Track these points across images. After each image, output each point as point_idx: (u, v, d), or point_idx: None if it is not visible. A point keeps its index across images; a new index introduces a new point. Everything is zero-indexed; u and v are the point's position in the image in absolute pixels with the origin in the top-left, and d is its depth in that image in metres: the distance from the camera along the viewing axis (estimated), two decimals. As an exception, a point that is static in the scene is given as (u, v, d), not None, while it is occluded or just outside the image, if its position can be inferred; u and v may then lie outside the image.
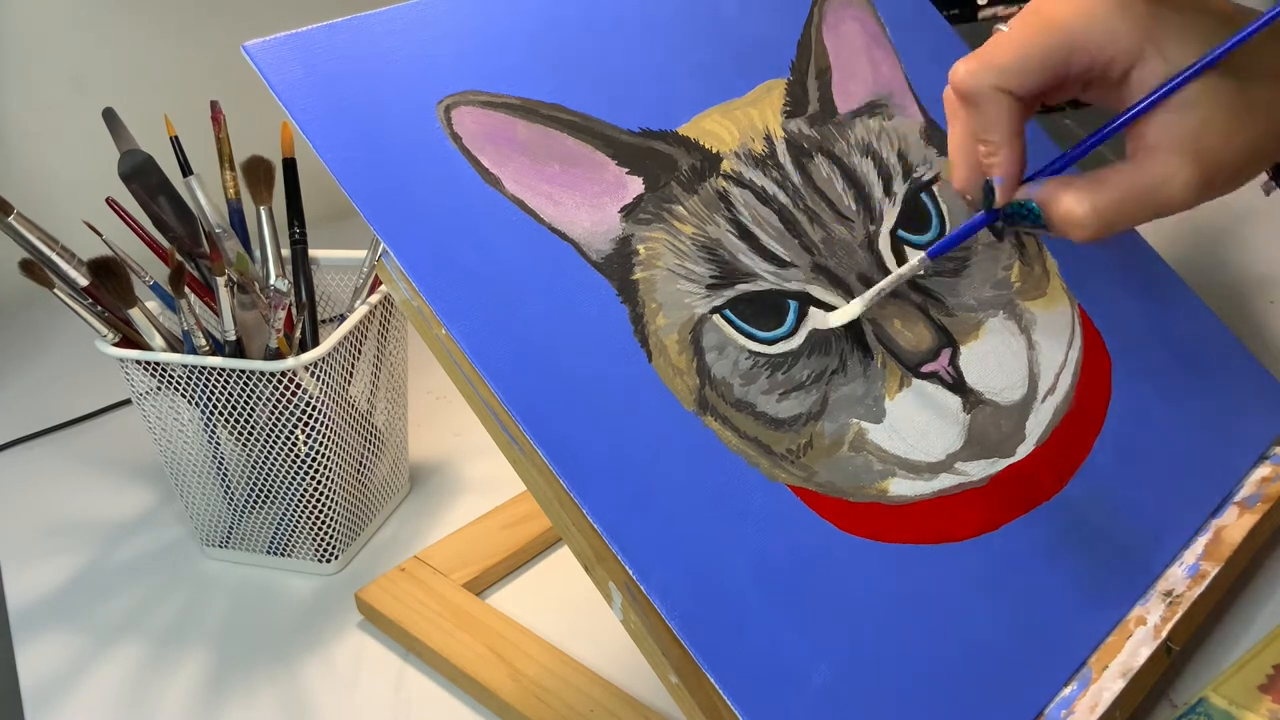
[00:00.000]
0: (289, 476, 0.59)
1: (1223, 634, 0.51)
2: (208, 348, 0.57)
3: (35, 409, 0.82)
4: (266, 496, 0.61)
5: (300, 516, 0.61)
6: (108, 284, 0.57)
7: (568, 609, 0.57)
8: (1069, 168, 0.44)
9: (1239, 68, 0.40)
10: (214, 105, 0.62)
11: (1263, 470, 0.55)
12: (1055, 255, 0.56)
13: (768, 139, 0.51)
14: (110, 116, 0.62)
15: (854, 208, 0.51)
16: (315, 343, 0.61)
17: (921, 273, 0.48)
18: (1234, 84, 0.40)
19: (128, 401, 0.81)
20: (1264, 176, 0.49)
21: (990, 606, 0.45)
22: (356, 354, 0.61)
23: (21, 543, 0.68)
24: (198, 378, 0.58)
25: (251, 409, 0.57)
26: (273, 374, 0.56)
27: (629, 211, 0.46)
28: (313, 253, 0.64)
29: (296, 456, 0.59)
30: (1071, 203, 0.41)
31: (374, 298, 0.61)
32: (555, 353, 0.42)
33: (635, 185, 0.47)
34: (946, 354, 0.49)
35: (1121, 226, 0.41)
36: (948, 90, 0.44)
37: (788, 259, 0.48)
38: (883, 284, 0.46)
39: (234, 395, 0.57)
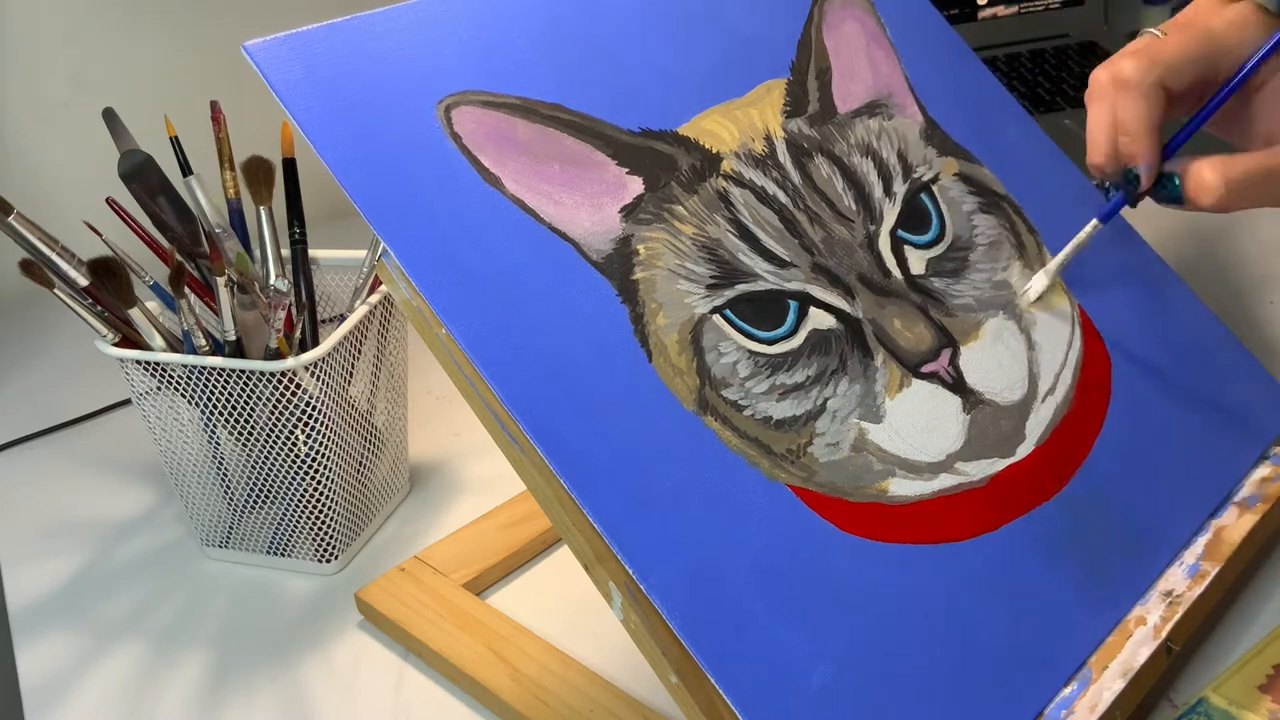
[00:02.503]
0: (289, 476, 0.59)
1: (1223, 634, 0.51)
2: (208, 348, 0.57)
3: (35, 409, 0.82)
4: (266, 496, 0.61)
5: (300, 516, 0.61)
6: (108, 284, 0.57)
7: (568, 609, 0.57)
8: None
9: None
10: (214, 105, 0.62)
11: (1263, 470, 0.55)
12: (1057, 255, 0.56)
13: (768, 139, 0.51)
14: (110, 116, 0.62)
15: (854, 208, 0.51)
16: (315, 343, 0.61)
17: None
18: None
19: (128, 401, 0.81)
20: None
21: (990, 606, 0.45)
22: (356, 354, 0.61)
23: (21, 543, 0.68)
24: (198, 378, 0.58)
25: (251, 409, 0.57)
26: (273, 374, 0.56)
27: (629, 211, 0.46)
28: (313, 253, 0.64)
29: (296, 456, 0.59)
30: (1207, 172, 0.47)
31: (374, 298, 0.61)
32: (555, 353, 0.42)
33: (635, 185, 0.47)
34: (947, 354, 0.49)
35: (1248, 199, 0.46)
36: (1099, 74, 0.49)
37: (788, 259, 0.48)
38: (1065, 252, 0.53)
39: (234, 395, 0.57)
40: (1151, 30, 0.50)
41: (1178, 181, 0.48)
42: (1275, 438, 0.57)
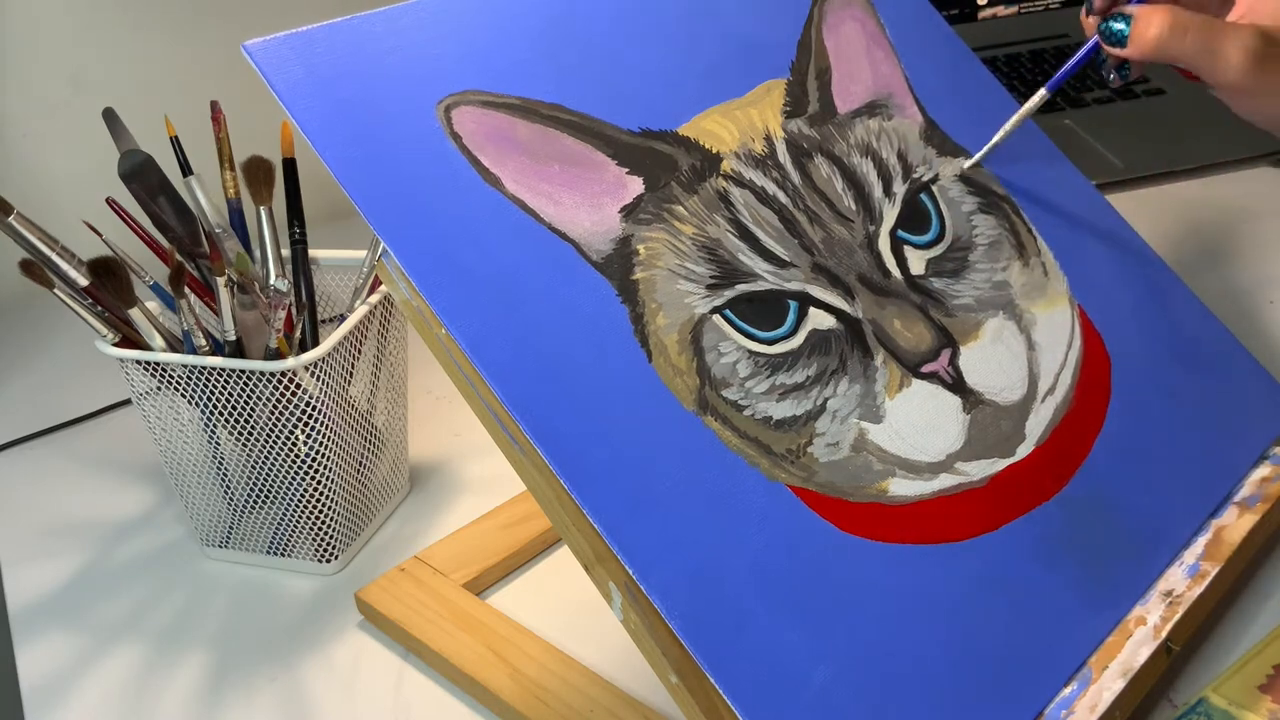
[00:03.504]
0: (289, 476, 0.59)
1: (1223, 634, 0.51)
2: (208, 348, 0.57)
3: (35, 409, 0.82)
4: (266, 496, 0.61)
5: (300, 516, 0.61)
6: (108, 284, 0.57)
7: (568, 609, 0.57)
8: None
9: None
10: (214, 105, 0.62)
11: (1263, 470, 0.55)
12: (1057, 256, 0.56)
13: (768, 139, 0.51)
14: (110, 116, 0.62)
15: (854, 208, 0.51)
16: (315, 343, 0.61)
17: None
18: None
19: (128, 401, 0.81)
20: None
21: (990, 606, 0.45)
22: (356, 354, 0.61)
23: (21, 543, 0.68)
24: (198, 378, 0.58)
25: (251, 409, 0.57)
26: (273, 374, 0.56)
27: (629, 211, 0.46)
28: (313, 253, 0.64)
29: (296, 456, 0.59)
30: (1155, 10, 0.48)
31: (374, 298, 0.61)
32: (555, 353, 0.42)
33: (635, 185, 0.47)
34: (946, 354, 0.49)
35: (1183, 46, 0.47)
36: None
37: (788, 259, 0.48)
38: (1008, 125, 0.55)
39: (234, 395, 0.57)
40: None
41: (1128, 15, 0.49)
42: (1275, 438, 0.57)
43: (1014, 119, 0.55)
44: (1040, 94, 0.53)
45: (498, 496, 0.64)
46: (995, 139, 0.55)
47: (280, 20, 0.46)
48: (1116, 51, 0.50)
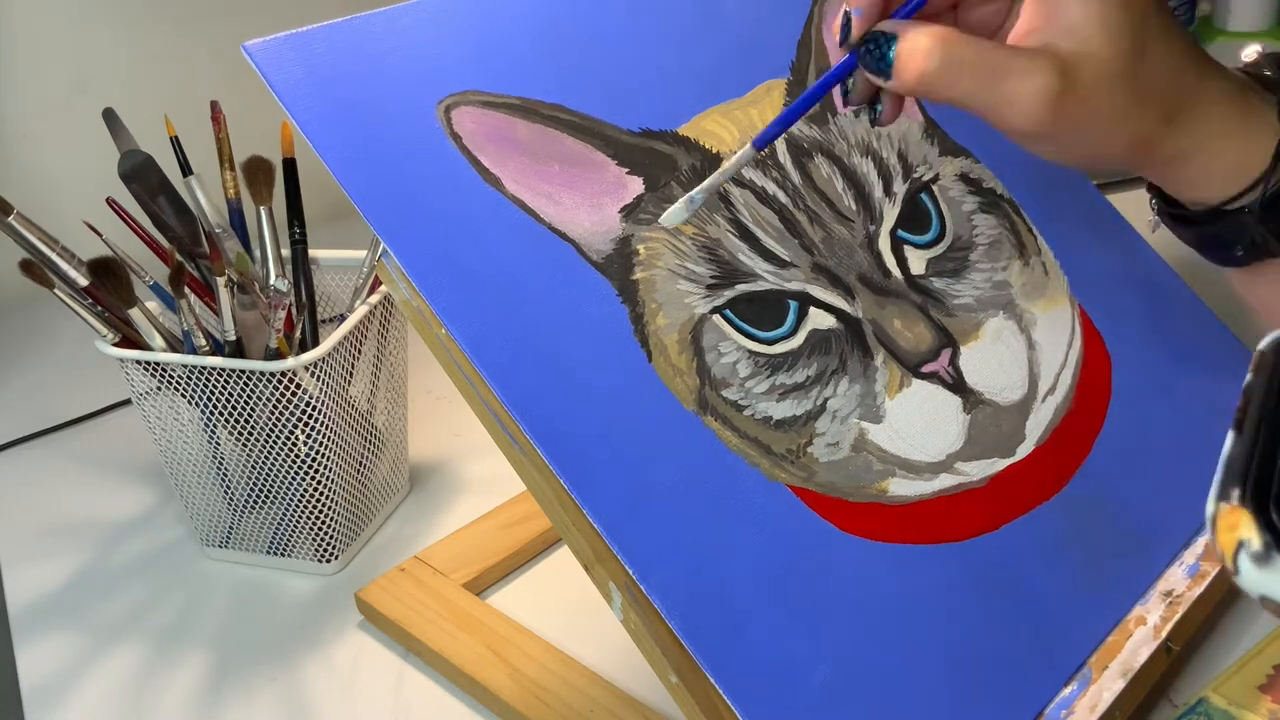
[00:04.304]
0: (289, 476, 0.59)
1: (1223, 634, 0.51)
2: (208, 348, 0.57)
3: (35, 409, 0.82)
4: (266, 496, 0.61)
5: (300, 516, 0.61)
6: (108, 284, 0.57)
7: (568, 609, 0.57)
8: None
9: (1147, 51, 0.37)
10: (214, 105, 0.62)
11: (1263, 470, 0.55)
12: (1057, 256, 0.56)
13: (768, 139, 0.51)
14: (110, 117, 0.62)
15: (854, 208, 0.51)
16: (315, 343, 0.61)
17: (751, 162, 0.44)
18: (1139, 51, 0.36)
19: (128, 401, 0.81)
20: (1151, 214, 0.44)
21: (990, 606, 0.45)
22: (356, 354, 0.61)
23: (21, 543, 0.68)
24: (198, 378, 0.58)
25: (251, 409, 0.57)
26: (273, 374, 0.56)
27: (629, 211, 0.46)
28: (313, 253, 0.64)
29: (296, 456, 0.59)
30: (924, 38, 0.36)
31: (374, 298, 0.61)
32: (555, 353, 0.42)
33: (635, 185, 0.47)
34: (946, 354, 0.49)
35: (958, 87, 0.36)
36: None
37: (788, 259, 0.48)
38: (715, 176, 0.41)
39: (234, 395, 0.57)
40: None
41: (893, 43, 0.37)
42: (1275, 438, 0.57)
43: (717, 175, 0.41)
44: (746, 151, 0.40)
45: (498, 496, 0.64)
46: (704, 186, 0.41)
47: (280, 20, 0.46)
48: (877, 81, 0.38)
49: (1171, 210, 0.41)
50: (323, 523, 0.61)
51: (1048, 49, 0.36)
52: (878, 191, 0.52)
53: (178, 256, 0.57)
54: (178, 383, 0.59)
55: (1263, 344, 0.29)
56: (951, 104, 0.37)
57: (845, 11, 0.39)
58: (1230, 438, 0.26)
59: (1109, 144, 0.37)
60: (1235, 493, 0.24)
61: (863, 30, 0.38)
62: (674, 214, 0.41)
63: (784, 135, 0.51)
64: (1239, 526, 0.24)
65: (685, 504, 0.41)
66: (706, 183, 0.41)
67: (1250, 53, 0.42)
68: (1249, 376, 0.28)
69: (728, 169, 0.41)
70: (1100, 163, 0.38)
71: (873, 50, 0.38)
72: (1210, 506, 0.25)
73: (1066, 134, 0.36)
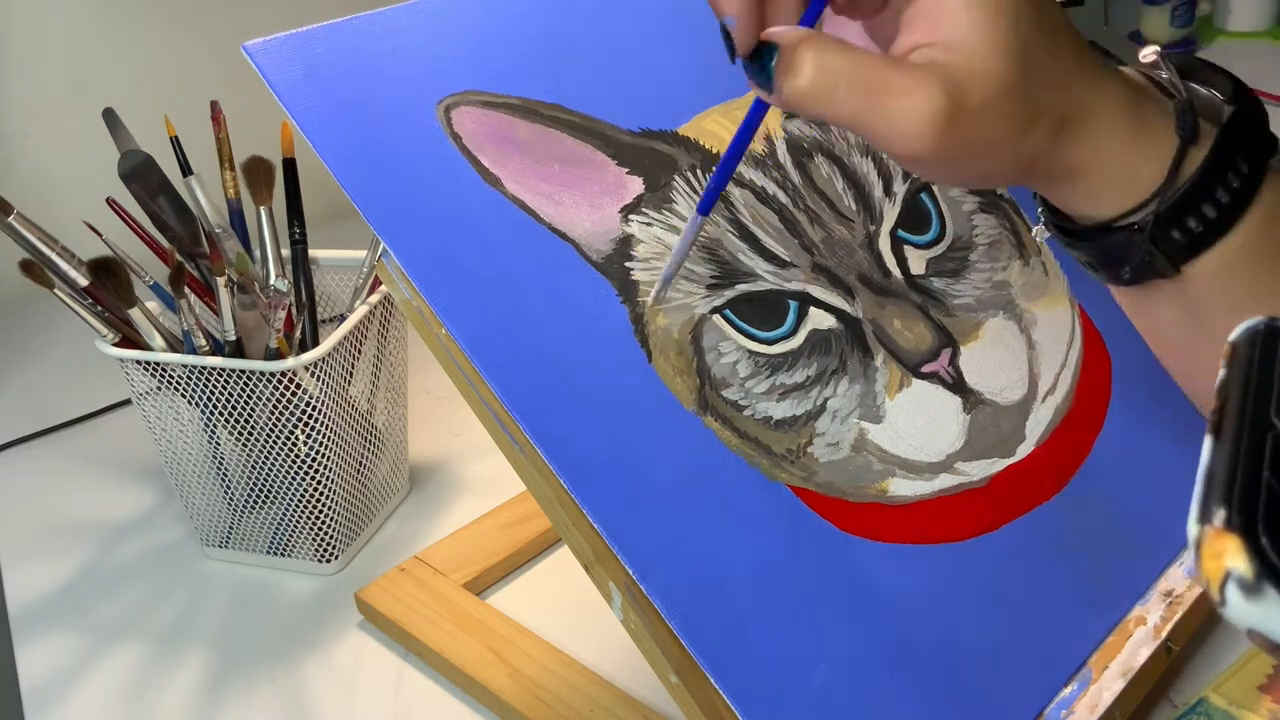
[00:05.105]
0: (289, 476, 0.59)
1: (1223, 634, 0.51)
2: (208, 348, 0.57)
3: (35, 409, 0.82)
4: (266, 496, 0.61)
5: (300, 516, 0.61)
6: (108, 284, 0.57)
7: (568, 609, 0.57)
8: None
9: (1038, 67, 0.33)
10: (214, 105, 0.62)
11: (1263, 470, 0.55)
12: (1057, 256, 0.56)
13: (768, 139, 0.51)
14: (110, 116, 0.62)
15: (854, 207, 0.51)
16: (315, 343, 0.61)
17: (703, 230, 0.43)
18: (1030, 67, 0.33)
19: (128, 401, 0.81)
20: (1039, 225, 0.40)
21: (990, 606, 0.45)
22: (356, 354, 0.61)
23: (21, 543, 0.68)
24: (198, 378, 0.58)
25: (251, 409, 0.57)
26: (273, 374, 0.56)
27: (629, 211, 0.46)
28: (313, 253, 0.64)
29: (296, 456, 0.59)
30: (805, 50, 0.33)
31: (374, 298, 0.61)
32: (555, 353, 0.41)
33: (635, 185, 0.47)
34: (946, 354, 0.49)
35: (834, 106, 0.33)
36: None
37: (788, 259, 0.48)
38: (675, 255, 0.41)
39: (234, 395, 0.57)
40: None
41: (774, 54, 0.34)
42: (1275, 438, 0.57)
43: (675, 254, 0.41)
44: (695, 220, 0.39)
45: (498, 496, 0.64)
46: (666, 269, 0.43)
47: (280, 20, 0.46)
48: (765, 97, 0.35)
49: (1060, 224, 0.38)
50: (323, 523, 0.61)
51: (933, 65, 0.33)
52: (878, 191, 0.52)
53: (178, 256, 0.58)
54: (178, 383, 0.59)
55: (1234, 334, 0.26)
56: (832, 123, 0.33)
57: (720, 22, 0.35)
58: (1208, 444, 0.24)
59: (998, 166, 0.34)
60: (1220, 514, 0.22)
61: (745, 41, 0.35)
62: (655, 295, 0.44)
63: (783, 135, 0.51)
64: (1225, 554, 0.22)
65: (685, 504, 0.41)
66: (667, 267, 0.43)
67: (1148, 53, 0.38)
68: (1221, 372, 0.25)
69: (681, 247, 0.41)
70: (987, 184, 0.36)
71: (755, 61, 0.34)
72: (1193, 529, 0.22)
73: (954, 158, 0.33)
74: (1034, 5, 0.33)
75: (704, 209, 0.39)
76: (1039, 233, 0.41)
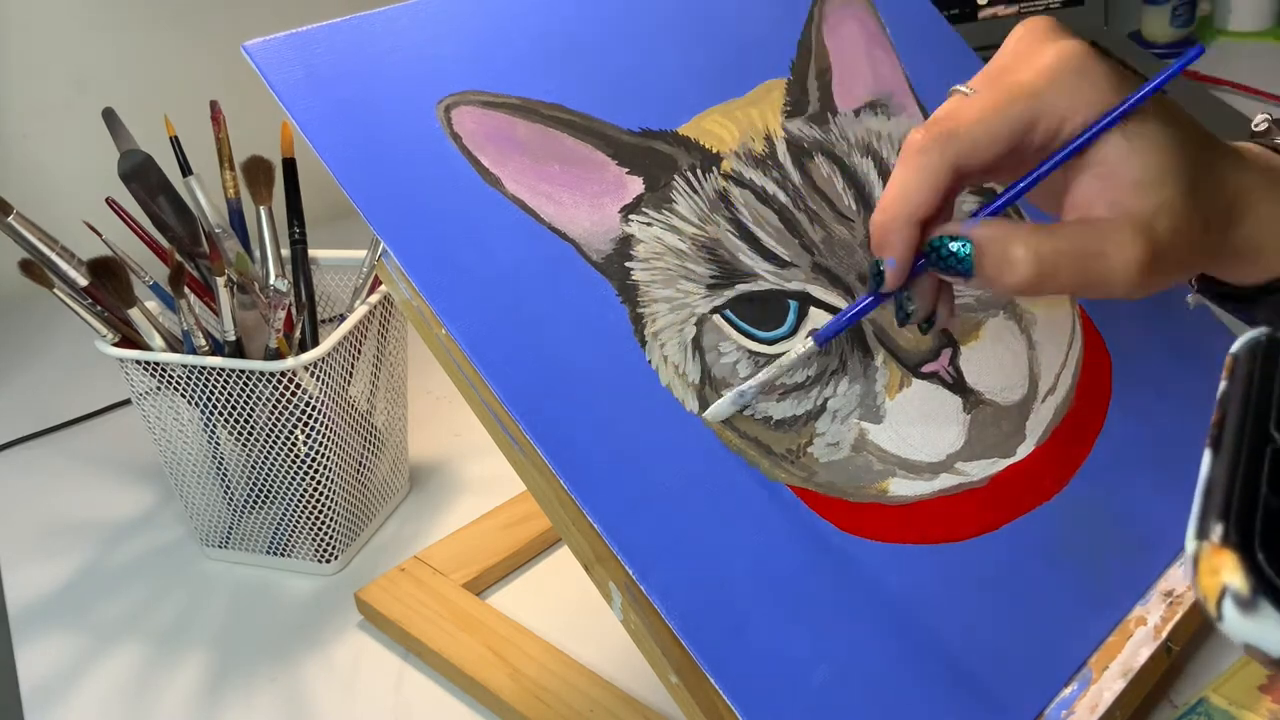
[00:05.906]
0: (289, 476, 0.59)
1: (1223, 635, 0.51)
2: (207, 348, 0.57)
3: (35, 409, 0.82)
4: (266, 496, 0.61)
5: (300, 516, 0.61)
6: (108, 284, 0.57)
7: (568, 609, 0.57)
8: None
9: (1199, 179, 0.37)
10: (214, 105, 0.62)
11: (1263, 470, 0.55)
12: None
13: (768, 139, 0.51)
14: (110, 116, 0.62)
15: (854, 207, 0.51)
16: (315, 343, 0.61)
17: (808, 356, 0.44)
18: (1195, 182, 0.37)
19: (128, 401, 0.81)
20: (1191, 291, 0.46)
21: (990, 607, 0.45)
22: (356, 354, 0.61)
23: (21, 543, 0.68)
24: (197, 378, 0.58)
25: (251, 409, 0.57)
26: (273, 374, 0.56)
27: (629, 211, 0.46)
28: (313, 253, 0.64)
29: (296, 456, 0.59)
30: (1017, 248, 0.36)
31: (374, 298, 0.61)
32: (555, 353, 0.41)
33: (635, 185, 0.47)
34: (947, 354, 0.49)
35: (1056, 284, 0.36)
36: (912, 134, 0.38)
37: (788, 259, 0.48)
38: (762, 376, 0.43)
39: (234, 395, 0.57)
40: (960, 88, 0.39)
41: (969, 251, 0.37)
42: (1275, 438, 0.57)
43: (773, 368, 0.43)
44: (809, 346, 0.42)
45: (498, 496, 0.64)
46: (756, 380, 0.44)
47: (281, 20, 0.46)
48: (957, 282, 0.38)
49: (1217, 290, 0.43)
50: (323, 523, 0.61)
51: (1122, 214, 0.36)
52: (878, 191, 0.52)
53: (177, 256, 0.58)
54: (177, 383, 0.59)
55: (1235, 346, 0.27)
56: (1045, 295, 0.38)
57: (874, 261, 0.38)
58: (1207, 457, 0.24)
59: (1190, 270, 0.39)
60: (1218, 529, 0.22)
61: (897, 283, 0.38)
62: (721, 408, 0.43)
63: (783, 135, 0.51)
64: (1222, 570, 0.22)
65: (685, 504, 0.41)
66: (759, 377, 0.43)
67: (1260, 122, 0.43)
68: (1222, 384, 0.26)
69: (785, 363, 0.43)
70: (1177, 283, 0.40)
71: (944, 257, 0.37)
72: (1190, 544, 0.22)
73: (1158, 284, 0.37)
74: (1174, 120, 0.37)
75: (821, 340, 0.42)
76: (1193, 300, 0.46)
